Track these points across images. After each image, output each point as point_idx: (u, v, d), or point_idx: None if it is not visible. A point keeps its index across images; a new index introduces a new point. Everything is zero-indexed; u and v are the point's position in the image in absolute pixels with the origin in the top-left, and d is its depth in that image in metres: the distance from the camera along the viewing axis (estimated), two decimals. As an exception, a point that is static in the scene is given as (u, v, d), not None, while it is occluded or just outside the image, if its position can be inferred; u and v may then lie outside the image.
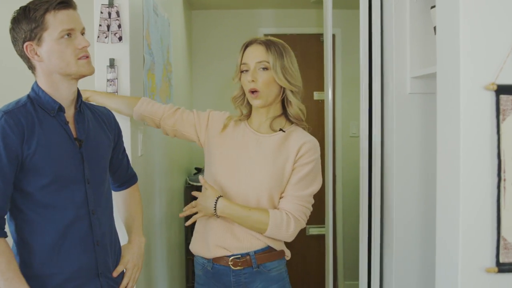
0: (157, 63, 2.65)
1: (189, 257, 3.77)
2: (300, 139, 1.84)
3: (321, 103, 4.28)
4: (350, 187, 4.30)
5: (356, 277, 4.22)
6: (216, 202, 1.80)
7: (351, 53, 4.24)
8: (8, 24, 1.52)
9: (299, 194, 1.82)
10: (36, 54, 1.49)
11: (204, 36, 4.35)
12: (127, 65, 2.11)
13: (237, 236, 1.83)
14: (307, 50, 4.37)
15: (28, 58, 1.51)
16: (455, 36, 1.36)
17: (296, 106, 1.85)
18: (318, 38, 4.33)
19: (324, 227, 3.10)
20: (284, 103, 1.88)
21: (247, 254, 1.83)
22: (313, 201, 1.87)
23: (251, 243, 1.83)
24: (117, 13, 2.08)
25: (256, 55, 1.82)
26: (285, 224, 1.78)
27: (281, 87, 1.83)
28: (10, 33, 1.50)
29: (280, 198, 1.84)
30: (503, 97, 1.31)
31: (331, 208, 2.79)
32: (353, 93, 4.23)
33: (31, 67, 1.54)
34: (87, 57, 1.54)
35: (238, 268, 1.82)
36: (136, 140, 2.24)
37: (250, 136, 1.90)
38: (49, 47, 1.47)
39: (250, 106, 1.93)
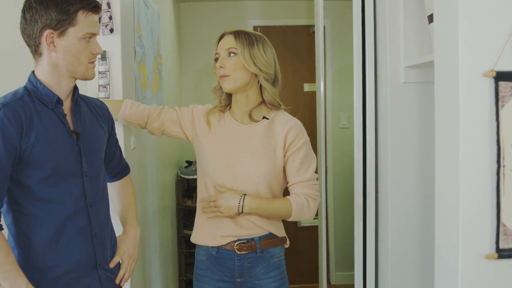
0: (148, 55, 2.62)
1: (181, 251, 3.75)
2: (284, 125, 1.91)
3: (311, 95, 4.28)
4: (340, 179, 4.31)
5: (347, 268, 4.23)
6: (241, 201, 1.82)
7: (340, 44, 4.24)
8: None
9: (305, 177, 1.90)
10: (52, 43, 1.46)
11: (193, 29, 4.32)
12: (118, 57, 2.08)
13: (241, 224, 1.89)
14: (296, 42, 4.35)
15: (39, 44, 1.47)
16: (453, 23, 1.36)
17: (270, 93, 1.90)
18: (307, 30, 4.32)
19: (316, 218, 3.10)
20: (261, 91, 1.93)
21: (252, 239, 1.89)
22: (317, 176, 1.94)
23: (254, 230, 1.89)
24: (108, 4, 2.05)
25: (226, 43, 1.89)
26: (306, 206, 1.88)
27: (252, 73, 1.88)
28: (28, 11, 1.45)
29: (289, 187, 1.93)
30: (502, 84, 1.31)
31: (324, 200, 2.80)
32: (343, 85, 4.25)
33: (37, 53, 1.50)
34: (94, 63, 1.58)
35: (243, 252, 1.89)
36: (128, 133, 2.22)
37: (237, 129, 1.93)
38: (69, 42, 1.47)
39: (229, 97, 1.97)
